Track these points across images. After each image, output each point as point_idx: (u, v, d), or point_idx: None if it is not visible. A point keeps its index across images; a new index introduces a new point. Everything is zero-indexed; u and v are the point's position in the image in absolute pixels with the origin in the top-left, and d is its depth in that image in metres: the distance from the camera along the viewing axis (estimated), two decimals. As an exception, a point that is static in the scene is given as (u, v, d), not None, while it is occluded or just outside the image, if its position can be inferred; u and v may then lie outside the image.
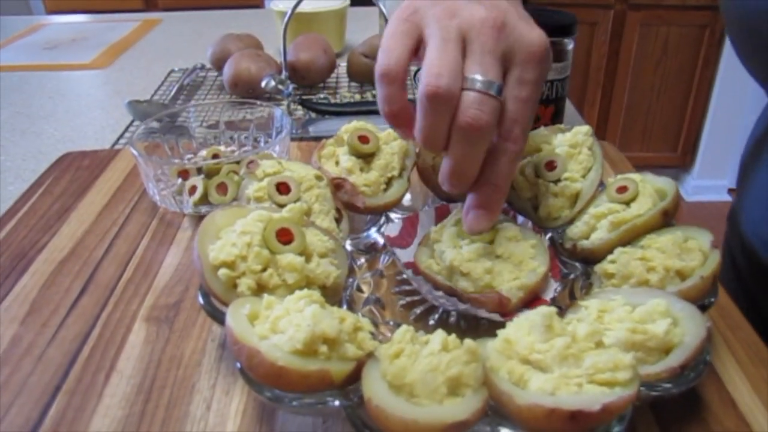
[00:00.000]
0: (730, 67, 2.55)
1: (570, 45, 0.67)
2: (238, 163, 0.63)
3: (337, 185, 0.54)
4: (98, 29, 1.44)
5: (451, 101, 0.40)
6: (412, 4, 0.44)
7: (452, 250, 0.47)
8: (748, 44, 0.56)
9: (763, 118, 0.70)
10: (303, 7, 0.88)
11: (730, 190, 2.84)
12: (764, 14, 0.51)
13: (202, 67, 1.13)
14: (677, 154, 2.82)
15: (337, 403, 0.35)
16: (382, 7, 0.95)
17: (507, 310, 0.44)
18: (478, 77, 0.40)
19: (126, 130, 0.91)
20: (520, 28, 0.42)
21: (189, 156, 0.71)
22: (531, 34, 0.41)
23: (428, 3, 0.43)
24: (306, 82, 1.01)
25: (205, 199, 0.62)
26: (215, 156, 0.67)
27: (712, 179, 2.82)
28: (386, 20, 0.92)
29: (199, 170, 0.63)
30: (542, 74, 0.42)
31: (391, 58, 0.42)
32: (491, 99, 0.40)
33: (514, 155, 0.42)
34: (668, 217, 0.48)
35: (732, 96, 2.61)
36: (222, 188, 0.62)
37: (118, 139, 0.89)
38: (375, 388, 0.34)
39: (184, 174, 0.63)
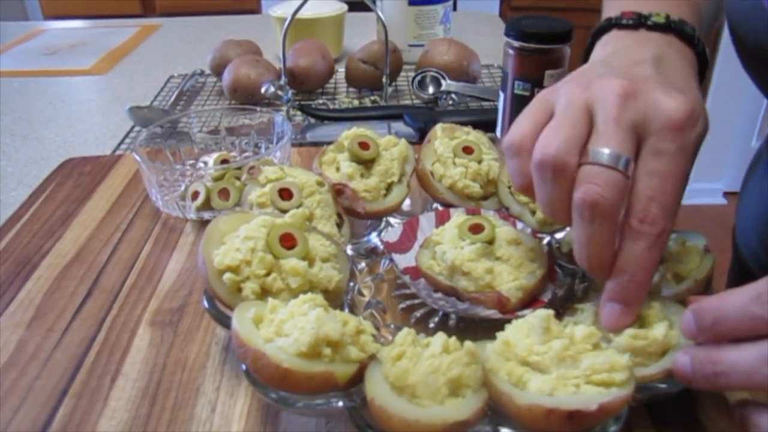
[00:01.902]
0: (725, 72, 2.56)
1: (567, 52, 0.69)
2: (239, 168, 0.64)
3: (338, 191, 0.55)
4: (97, 35, 1.45)
5: (562, 173, 0.37)
6: (555, 84, 0.43)
7: (454, 251, 0.48)
8: (757, 63, 0.57)
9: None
10: (301, 13, 0.89)
11: (725, 194, 2.86)
12: None
13: (201, 73, 1.14)
14: (673, 158, 2.84)
15: (340, 404, 0.36)
16: (379, 13, 0.96)
17: (506, 310, 0.45)
18: (597, 148, 0.37)
19: (126, 135, 0.92)
20: (655, 95, 0.38)
21: (191, 161, 0.72)
22: (667, 100, 0.38)
23: (568, 80, 0.42)
24: (305, 87, 1.02)
25: (207, 205, 0.62)
26: (224, 161, 0.68)
27: (707, 182, 2.84)
28: (384, 25, 0.93)
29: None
30: (685, 144, 0.38)
31: (516, 132, 0.41)
32: (609, 171, 0.36)
33: (652, 239, 0.36)
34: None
35: (727, 100, 2.63)
36: (224, 194, 0.62)
37: (119, 144, 0.89)
38: (378, 389, 0.35)
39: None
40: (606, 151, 0.36)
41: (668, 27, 0.46)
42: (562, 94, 0.41)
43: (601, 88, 0.39)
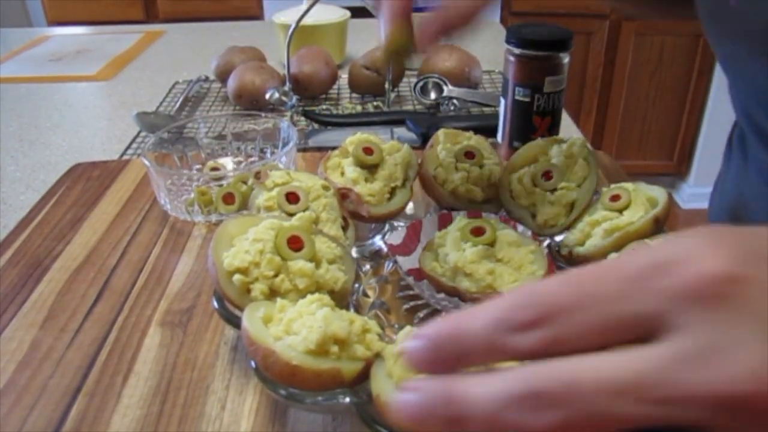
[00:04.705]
0: (724, 76, 2.58)
1: (566, 59, 0.70)
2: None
3: (343, 195, 0.56)
4: (102, 41, 1.46)
5: None
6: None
7: (456, 253, 0.49)
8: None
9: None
10: (305, 20, 0.91)
11: (725, 198, 2.87)
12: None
13: (206, 79, 1.15)
14: (673, 162, 2.85)
15: (347, 399, 0.37)
16: (382, 21, 0.97)
17: None
18: None
19: (133, 140, 0.93)
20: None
21: (197, 166, 0.74)
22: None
23: None
24: (308, 93, 1.03)
25: (215, 208, 0.64)
26: (214, 169, 0.70)
27: (707, 187, 2.83)
28: (386, 33, 0.94)
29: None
30: None
31: None
32: None
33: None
34: (659, 224, 0.51)
35: (727, 104, 2.62)
36: (229, 198, 0.64)
37: (126, 149, 0.91)
38: (383, 386, 0.36)
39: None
40: None
41: None
42: None
43: None
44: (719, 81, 2.61)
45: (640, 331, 0.21)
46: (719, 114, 2.67)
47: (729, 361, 0.20)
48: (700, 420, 0.20)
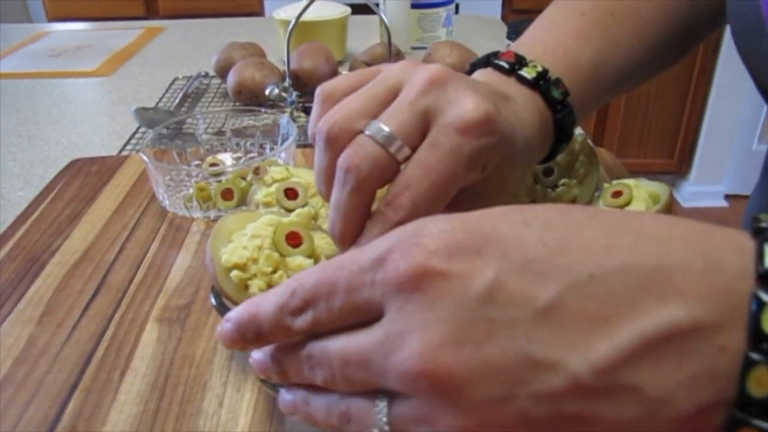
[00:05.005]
0: (726, 74, 2.58)
1: (567, 54, 0.70)
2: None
3: (343, 190, 0.56)
4: (102, 37, 1.46)
5: (334, 144, 0.37)
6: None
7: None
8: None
9: None
10: (305, 16, 0.90)
11: (726, 196, 2.86)
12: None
13: (206, 75, 1.15)
14: (674, 160, 2.85)
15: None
16: (382, 16, 0.97)
17: None
18: (376, 122, 0.35)
19: (132, 136, 0.93)
20: (460, 90, 0.36)
21: (196, 162, 0.73)
22: (467, 99, 0.35)
23: (407, 61, 0.40)
24: (308, 89, 1.03)
25: (214, 204, 0.64)
26: (213, 166, 0.70)
27: (708, 185, 2.85)
28: (387, 28, 0.94)
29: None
30: (461, 148, 0.35)
31: (331, 83, 0.40)
32: (375, 145, 0.35)
33: (390, 225, 0.35)
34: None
35: (728, 102, 2.64)
36: (228, 194, 0.63)
37: (125, 145, 0.90)
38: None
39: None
40: (381, 126, 0.35)
41: (535, 84, 0.44)
42: (387, 69, 0.39)
43: (419, 70, 0.37)
44: (721, 78, 2.60)
45: (372, 314, 0.26)
46: (720, 113, 2.66)
47: (406, 344, 0.24)
48: (399, 390, 0.24)
